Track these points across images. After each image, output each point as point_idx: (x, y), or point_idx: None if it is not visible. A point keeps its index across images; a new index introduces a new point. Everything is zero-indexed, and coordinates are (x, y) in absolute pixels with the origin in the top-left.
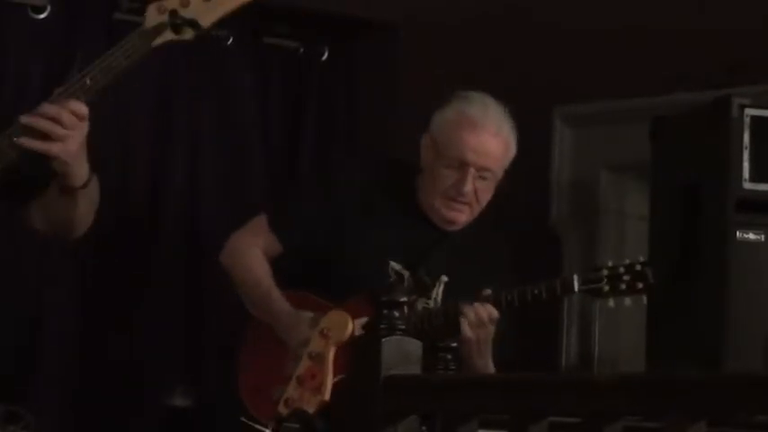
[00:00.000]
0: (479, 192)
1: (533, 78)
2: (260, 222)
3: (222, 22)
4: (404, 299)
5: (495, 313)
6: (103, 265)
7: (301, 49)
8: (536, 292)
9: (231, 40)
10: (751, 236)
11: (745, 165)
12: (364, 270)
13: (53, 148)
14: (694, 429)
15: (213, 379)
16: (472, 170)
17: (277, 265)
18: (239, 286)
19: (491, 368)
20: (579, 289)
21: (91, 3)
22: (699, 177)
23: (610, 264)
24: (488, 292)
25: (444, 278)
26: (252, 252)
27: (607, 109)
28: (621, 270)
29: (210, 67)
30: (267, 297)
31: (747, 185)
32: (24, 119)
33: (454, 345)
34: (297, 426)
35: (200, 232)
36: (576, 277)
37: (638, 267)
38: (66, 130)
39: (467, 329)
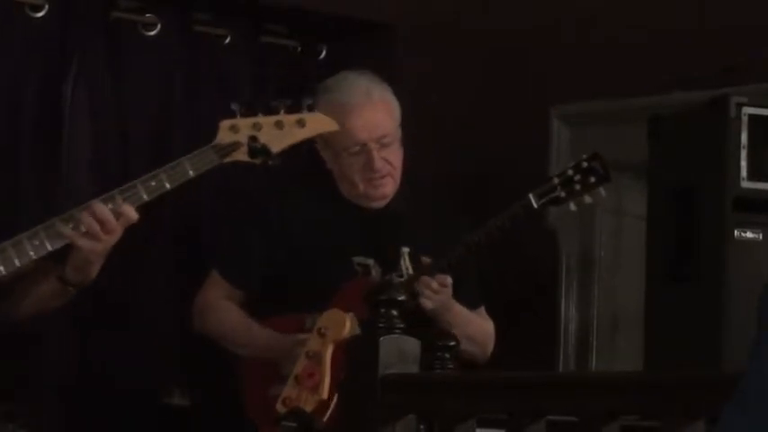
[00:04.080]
0: (390, 158)
1: (531, 78)
2: (213, 277)
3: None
4: (401, 297)
5: (446, 280)
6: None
7: (299, 48)
8: (500, 224)
9: (229, 39)
10: (749, 234)
11: (743, 163)
12: (335, 279)
13: (81, 242)
14: (692, 429)
15: (211, 378)
16: (372, 145)
17: (249, 304)
18: (221, 340)
19: (457, 309)
20: (539, 204)
21: (89, 1)
22: (697, 176)
23: (557, 171)
24: (427, 260)
25: (405, 249)
26: (218, 305)
27: (605, 108)
28: (570, 172)
29: (209, 66)
30: (249, 335)
31: (745, 184)
32: (77, 213)
33: (452, 344)
34: (294, 424)
35: (198, 232)
36: (531, 196)
37: (585, 164)
38: (106, 234)
39: (427, 303)
